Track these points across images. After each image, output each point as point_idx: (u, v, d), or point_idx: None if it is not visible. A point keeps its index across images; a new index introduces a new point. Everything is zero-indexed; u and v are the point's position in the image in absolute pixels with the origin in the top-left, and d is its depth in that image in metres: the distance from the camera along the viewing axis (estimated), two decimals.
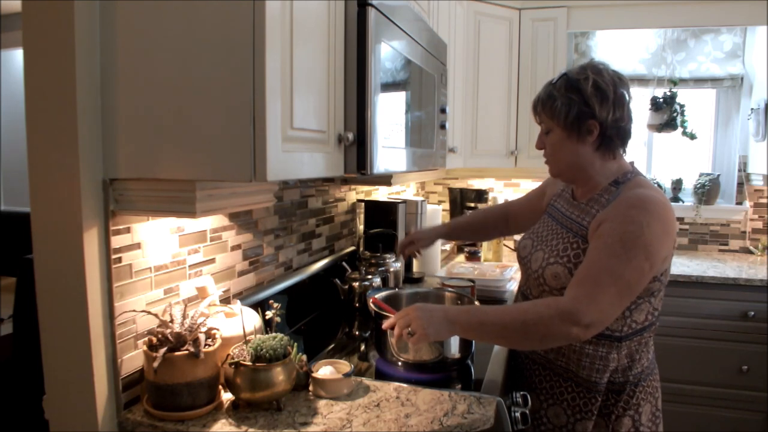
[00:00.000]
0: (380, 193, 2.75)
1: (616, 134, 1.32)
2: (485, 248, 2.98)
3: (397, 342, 1.31)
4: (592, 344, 1.31)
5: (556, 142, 1.33)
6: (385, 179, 2.05)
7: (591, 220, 1.30)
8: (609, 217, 1.24)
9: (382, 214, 2.32)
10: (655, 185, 1.33)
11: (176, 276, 1.32)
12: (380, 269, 2.10)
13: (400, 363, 1.41)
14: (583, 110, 1.27)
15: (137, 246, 1.20)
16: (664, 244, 1.21)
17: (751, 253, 3.21)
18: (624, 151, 1.38)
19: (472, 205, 3.20)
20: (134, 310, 1.18)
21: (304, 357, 1.29)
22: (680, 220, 3.28)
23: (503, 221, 1.81)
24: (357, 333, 1.82)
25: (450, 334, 1.27)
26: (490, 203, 3.25)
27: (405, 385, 1.31)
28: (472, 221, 1.90)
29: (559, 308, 1.16)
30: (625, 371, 1.32)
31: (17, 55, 3.95)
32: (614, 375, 1.32)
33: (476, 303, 1.52)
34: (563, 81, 1.31)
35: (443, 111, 2.00)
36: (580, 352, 1.32)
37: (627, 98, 1.33)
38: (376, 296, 1.53)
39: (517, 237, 2.82)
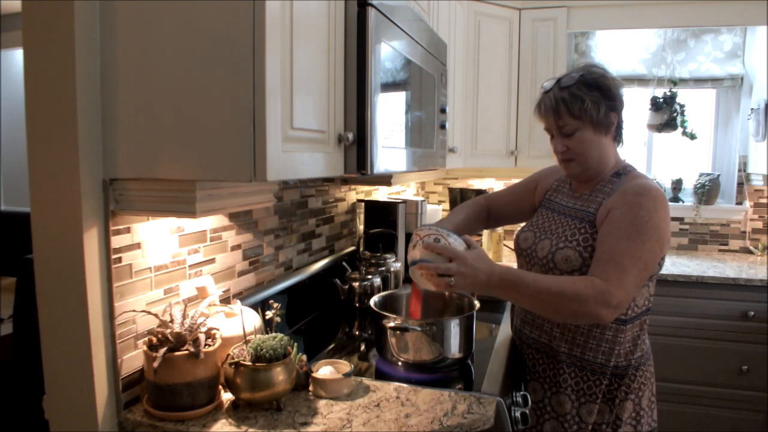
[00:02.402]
0: (380, 193, 2.75)
1: (623, 125, 1.43)
2: (485, 247, 2.98)
3: (433, 282, 1.26)
4: (600, 327, 1.37)
5: (585, 140, 1.36)
6: (385, 179, 2.05)
7: (597, 207, 1.37)
8: (618, 204, 1.31)
9: (382, 214, 2.32)
10: (655, 183, 1.38)
11: (176, 276, 1.32)
12: (380, 269, 2.10)
13: (400, 363, 1.41)
14: (608, 104, 1.36)
15: (137, 246, 1.20)
16: (667, 227, 1.31)
17: (751, 253, 3.21)
18: (621, 145, 1.48)
19: None
20: (134, 310, 1.18)
21: (304, 357, 1.29)
22: (680, 220, 3.28)
23: (485, 219, 1.72)
24: (357, 333, 1.82)
25: (483, 293, 1.31)
26: None
27: (405, 385, 1.31)
28: (465, 221, 1.70)
29: (596, 288, 1.21)
30: (627, 355, 1.39)
31: (17, 55, 3.95)
32: (618, 359, 1.38)
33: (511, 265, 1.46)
34: (581, 81, 1.35)
35: (443, 111, 2.00)
36: (587, 336, 1.38)
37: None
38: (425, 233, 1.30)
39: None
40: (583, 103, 1.33)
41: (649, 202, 1.28)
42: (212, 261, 1.45)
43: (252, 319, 1.30)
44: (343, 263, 2.12)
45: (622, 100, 1.39)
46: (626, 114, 1.45)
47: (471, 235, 1.86)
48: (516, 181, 3.40)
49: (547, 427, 1.45)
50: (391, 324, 1.40)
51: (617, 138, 1.44)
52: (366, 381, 1.32)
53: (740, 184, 3.22)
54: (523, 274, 1.27)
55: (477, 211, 1.67)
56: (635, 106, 3.30)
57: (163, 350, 1.10)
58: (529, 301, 1.26)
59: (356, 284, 2.00)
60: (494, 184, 3.51)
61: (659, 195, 1.31)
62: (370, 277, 2.03)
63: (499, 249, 2.99)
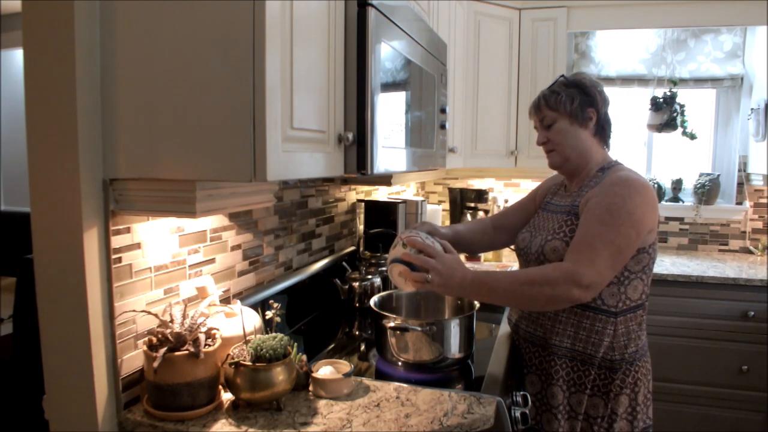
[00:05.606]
0: (380, 193, 2.75)
1: (607, 124, 1.53)
2: None
3: (410, 278, 1.28)
4: (589, 318, 1.40)
5: (561, 130, 1.49)
6: (385, 179, 2.05)
7: (581, 200, 1.44)
8: (595, 194, 1.39)
9: (382, 214, 2.33)
10: (654, 184, 1.39)
11: (176, 276, 1.32)
12: (380, 269, 2.10)
13: (400, 363, 1.41)
14: (584, 99, 1.48)
15: (137, 246, 1.20)
16: (646, 214, 1.34)
17: (751, 253, 3.21)
18: (608, 146, 1.56)
19: (472, 205, 3.20)
20: (134, 310, 1.18)
21: (304, 357, 1.29)
22: (680, 220, 3.28)
23: (490, 232, 1.73)
24: (357, 333, 1.82)
25: (457, 296, 1.34)
26: (490, 203, 3.25)
27: (405, 385, 1.31)
28: (465, 230, 1.74)
29: (563, 270, 1.27)
30: (621, 349, 1.41)
31: (17, 55, 3.96)
32: (609, 352, 1.41)
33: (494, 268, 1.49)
34: (561, 81, 1.51)
35: (443, 111, 2.00)
36: (578, 327, 1.42)
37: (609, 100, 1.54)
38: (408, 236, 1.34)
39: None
40: (558, 95, 1.48)
41: (624, 190, 1.34)
42: (212, 261, 1.45)
43: (252, 319, 1.30)
44: (343, 263, 2.12)
45: (599, 97, 1.48)
46: (613, 115, 1.53)
47: (475, 251, 1.92)
48: (516, 180, 3.44)
49: (543, 420, 1.48)
50: (391, 324, 1.40)
51: (601, 135, 1.51)
52: (366, 381, 1.32)
53: (740, 184, 3.22)
54: (494, 271, 1.32)
55: (478, 224, 1.76)
56: (635, 106, 3.30)
57: (163, 350, 1.10)
58: (503, 296, 1.30)
59: (356, 284, 2.00)
60: (494, 184, 3.51)
61: (637, 184, 1.36)
62: (370, 277, 2.03)
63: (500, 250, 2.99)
